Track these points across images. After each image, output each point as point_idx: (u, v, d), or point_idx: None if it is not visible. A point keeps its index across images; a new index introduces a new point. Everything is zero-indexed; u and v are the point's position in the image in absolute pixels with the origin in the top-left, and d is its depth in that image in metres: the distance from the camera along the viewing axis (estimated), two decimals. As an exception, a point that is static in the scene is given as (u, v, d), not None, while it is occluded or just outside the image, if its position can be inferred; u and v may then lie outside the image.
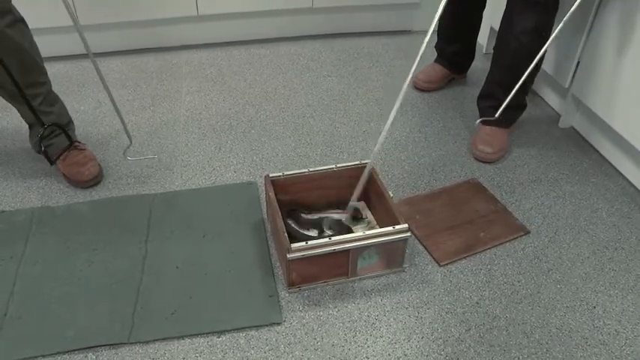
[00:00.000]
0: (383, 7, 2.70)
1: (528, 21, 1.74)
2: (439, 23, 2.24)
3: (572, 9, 1.52)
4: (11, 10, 1.63)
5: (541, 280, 1.53)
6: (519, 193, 1.81)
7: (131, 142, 1.72)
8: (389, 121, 1.50)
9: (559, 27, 1.57)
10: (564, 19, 1.54)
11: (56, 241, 1.64)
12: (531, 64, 1.87)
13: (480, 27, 2.21)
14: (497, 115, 1.76)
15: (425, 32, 1.47)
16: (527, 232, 1.67)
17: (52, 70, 1.82)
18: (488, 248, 1.62)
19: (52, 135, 1.84)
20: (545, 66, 2.12)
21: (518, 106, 1.98)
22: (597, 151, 2.00)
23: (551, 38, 1.62)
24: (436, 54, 2.33)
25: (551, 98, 2.24)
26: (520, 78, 1.91)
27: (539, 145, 2.03)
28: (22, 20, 1.67)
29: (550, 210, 1.75)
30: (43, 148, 1.63)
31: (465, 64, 2.33)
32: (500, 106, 1.94)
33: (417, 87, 2.32)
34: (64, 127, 1.76)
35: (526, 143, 2.03)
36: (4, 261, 1.58)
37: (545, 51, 1.86)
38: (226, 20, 2.62)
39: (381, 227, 1.59)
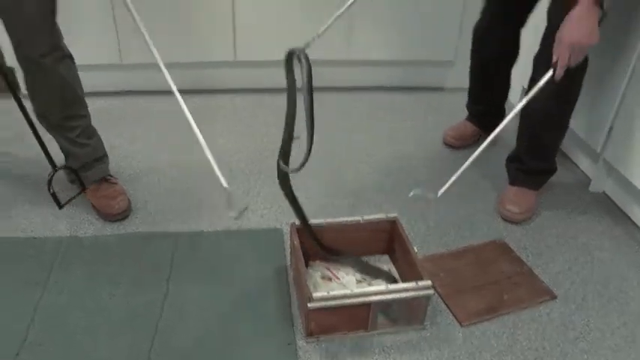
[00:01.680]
0: (416, 62, 2.74)
1: (551, 85, 1.74)
2: (469, 83, 2.27)
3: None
4: (61, 47, 1.70)
5: (567, 349, 1.49)
6: (546, 256, 1.78)
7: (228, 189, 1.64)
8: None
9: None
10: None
11: (82, 271, 1.66)
12: (555, 129, 1.89)
13: (509, 87, 2.22)
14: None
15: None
16: (554, 297, 1.63)
17: (92, 105, 1.87)
18: (513, 311, 1.58)
19: (86, 168, 1.88)
20: (576, 128, 2.12)
21: (546, 171, 1.98)
22: (630, 219, 1.96)
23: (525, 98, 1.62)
24: (467, 112, 2.35)
25: (582, 161, 2.23)
26: (544, 142, 1.92)
27: (569, 208, 2.01)
28: (69, 56, 1.74)
29: (578, 275, 1.71)
30: (51, 191, 1.65)
31: (495, 123, 2.33)
32: (528, 170, 1.94)
33: (447, 143, 2.33)
34: (76, 170, 1.80)
35: (555, 206, 2.01)
36: (29, 287, 1.60)
37: (568, 116, 1.86)
38: (262, 67, 2.69)
39: (404, 282, 1.58)
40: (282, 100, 1.57)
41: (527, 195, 1.94)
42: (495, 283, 1.67)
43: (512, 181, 1.98)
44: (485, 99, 2.26)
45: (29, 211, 1.89)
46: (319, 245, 1.58)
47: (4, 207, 1.92)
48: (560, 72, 1.55)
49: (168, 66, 2.62)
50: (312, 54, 2.66)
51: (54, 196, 1.62)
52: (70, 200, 1.71)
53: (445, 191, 2.04)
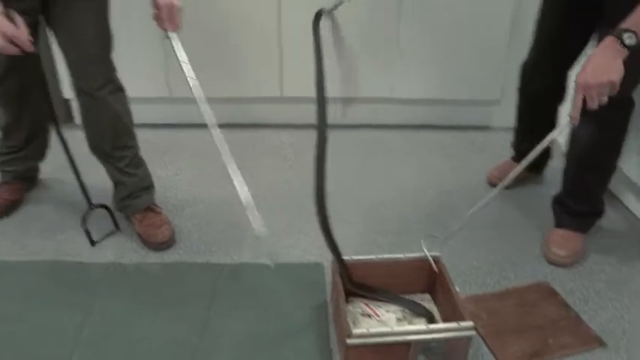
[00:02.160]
0: (462, 101, 2.73)
1: (590, 130, 1.71)
2: (515, 121, 2.25)
3: None
4: (113, 80, 1.78)
5: (616, 400, 1.43)
6: (595, 303, 1.72)
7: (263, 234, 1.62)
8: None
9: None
10: None
11: (124, 297, 1.69)
12: (601, 172, 1.84)
13: (555, 127, 2.19)
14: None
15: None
16: (603, 345, 1.57)
17: (141, 136, 1.93)
18: (558, 357, 1.53)
19: (131, 196, 1.93)
20: (625, 169, 2.07)
21: (593, 213, 1.93)
22: (685, 267, 1.89)
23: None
24: (512, 151, 2.32)
25: (633, 204, 2.16)
26: (590, 185, 1.88)
27: (619, 253, 1.94)
28: (122, 89, 1.81)
29: (631, 325, 1.64)
30: (85, 228, 1.69)
31: (541, 164, 2.31)
32: (574, 212, 1.90)
33: (491, 183, 2.30)
34: (109, 208, 1.83)
35: (604, 249, 1.95)
36: (74, 310, 1.64)
37: (614, 159, 1.82)
38: (308, 103, 2.71)
39: (445, 322, 1.55)
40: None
41: (573, 238, 1.89)
42: (539, 327, 1.62)
43: (558, 223, 1.93)
44: (532, 138, 2.23)
45: (77, 237, 1.94)
46: (350, 282, 1.57)
47: (54, 231, 1.97)
48: (575, 115, 1.50)
49: (215, 100, 2.69)
50: (358, 91, 2.70)
51: (87, 233, 1.67)
52: (102, 239, 1.75)
53: (488, 231, 2.02)
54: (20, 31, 1.42)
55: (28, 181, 2.16)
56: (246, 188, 1.56)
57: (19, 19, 1.43)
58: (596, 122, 1.67)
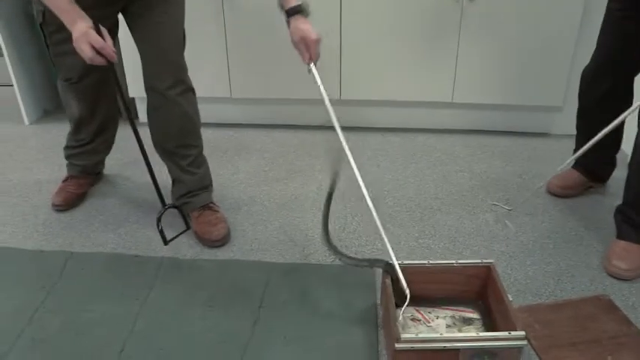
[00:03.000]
0: (523, 107, 2.67)
1: None
2: (577, 130, 2.18)
3: None
4: (184, 81, 1.83)
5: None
6: (658, 319, 1.65)
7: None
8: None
9: None
10: None
11: (178, 291, 1.74)
12: None
13: (621, 136, 2.11)
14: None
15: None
16: (664, 364, 1.51)
17: (202, 135, 1.98)
18: (615, 374, 1.48)
19: (192, 194, 1.98)
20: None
21: None
22: None
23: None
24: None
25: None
26: None
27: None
28: (191, 89, 1.87)
29: (693, 344, 1.57)
30: (160, 228, 1.74)
31: (605, 173, 2.23)
32: (637, 224, 1.82)
33: (551, 192, 2.24)
34: (179, 207, 1.88)
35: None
36: (129, 301, 1.70)
37: None
38: (365, 106, 2.73)
39: (495, 331, 1.52)
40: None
41: (636, 250, 1.81)
42: (597, 342, 1.56)
43: (620, 235, 1.86)
44: (594, 147, 2.16)
45: (136, 231, 2.01)
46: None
47: (116, 225, 2.05)
48: None
49: (276, 101, 2.74)
50: (417, 96, 2.69)
51: (161, 233, 1.72)
52: (174, 238, 1.80)
53: (546, 241, 1.96)
54: (107, 44, 1.52)
55: (93, 175, 2.26)
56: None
57: (105, 32, 1.54)
58: None
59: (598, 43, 1.95)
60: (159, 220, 1.72)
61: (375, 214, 1.61)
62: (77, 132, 2.09)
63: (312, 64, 1.68)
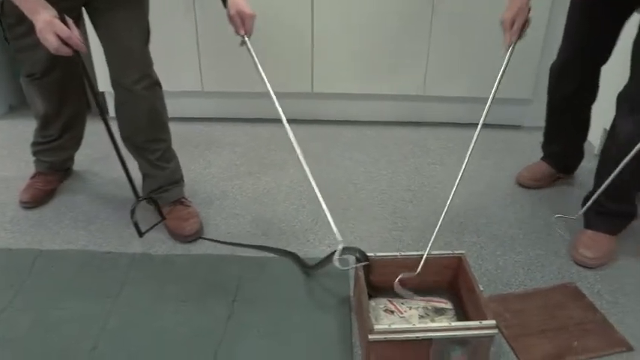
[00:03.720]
0: (494, 100, 2.70)
1: (631, 126, 1.68)
2: (545, 122, 2.22)
3: None
4: (150, 75, 1.81)
5: (642, 405, 1.40)
6: (623, 305, 1.69)
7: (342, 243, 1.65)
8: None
9: None
10: None
11: (150, 287, 1.72)
12: (636, 171, 1.80)
13: (588, 127, 2.16)
14: (579, 213, 1.79)
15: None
16: (630, 349, 1.54)
17: (172, 129, 1.97)
18: (582, 359, 1.52)
19: (163, 189, 1.96)
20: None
21: (625, 214, 1.89)
22: None
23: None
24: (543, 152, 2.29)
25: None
26: (624, 184, 1.83)
27: (652, 257, 1.90)
28: (158, 83, 1.85)
29: (660, 329, 1.62)
30: (134, 220, 1.72)
31: (573, 164, 2.27)
32: (606, 212, 1.86)
33: (521, 184, 2.28)
34: (155, 199, 1.85)
35: (636, 252, 1.91)
36: (102, 299, 1.68)
37: None
38: (338, 100, 2.73)
39: (467, 321, 1.54)
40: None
41: (603, 239, 1.86)
42: (564, 329, 1.60)
43: (588, 224, 1.90)
44: (562, 139, 2.20)
45: (107, 227, 1.99)
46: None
47: (86, 221, 2.03)
48: None
49: (248, 95, 2.73)
50: (388, 89, 2.70)
51: (136, 225, 1.70)
52: (149, 229, 1.78)
53: (515, 231, 2.00)
54: (74, 34, 1.47)
55: (62, 171, 2.22)
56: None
57: (71, 21, 1.49)
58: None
59: (565, 33, 1.98)
60: (133, 212, 1.70)
61: (323, 205, 1.70)
62: (44, 129, 2.06)
63: (245, 37, 1.72)
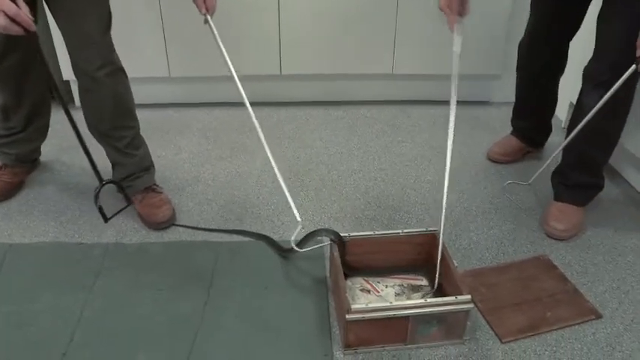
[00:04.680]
0: (462, 77, 2.70)
1: (597, 98, 1.70)
2: (515, 98, 2.24)
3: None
4: (112, 61, 1.77)
5: (611, 370, 1.44)
6: (592, 275, 1.73)
7: (300, 224, 1.69)
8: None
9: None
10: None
11: (125, 277, 1.71)
12: (604, 144, 1.85)
13: (556, 102, 2.19)
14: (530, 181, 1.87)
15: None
16: (599, 317, 1.58)
17: (140, 116, 1.93)
18: (555, 329, 1.55)
19: (133, 177, 1.94)
20: (626, 143, 2.06)
21: (593, 186, 1.93)
22: (681, 238, 1.90)
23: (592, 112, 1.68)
24: (512, 127, 2.32)
25: (633, 178, 2.16)
26: (592, 157, 1.87)
27: (618, 225, 1.94)
28: (121, 69, 1.81)
29: (627, 296, 1.66)
30: (98, 205, 1.68)
31: (541, 139, 2.30)
32: (574, 185, 1.90)
33: (491, 159, 2.30)
34: (122, 185, 1.80)
35: (602, 223, 1.95)
36: (76, 290, 1.66)
37: (618, 131, 1.82)
38: (307, 81, 2.72)
39: (443, 297, 1.56)
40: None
41: (572, 211, 1.89)
42: (538, 300, 1.63)
43: (557, 197, 1.94)
44: (531, 114, 2.23)
45: (79, 218, 1.96)
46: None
47: (56, 213, 1.99)
48: None
49: (217, 79, 2.69)
50: (357, 69, 2.69)
51: (100, 210, 1.67)
52: (115, 214, 1.75)
53: (487, 206, 2.02)
54: (22, 11, 1.41)
55: (29, 163, 2.17)
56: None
57: None
58: (605, 90, 1.66)
59: (531, 9, 1.99)
60: (96, 197, 1.67)
61: (283, 185, 1.72)
62: (5, 120, 2.00)
63: (208, 16, 1.72)
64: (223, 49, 1.71)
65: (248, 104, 1.73)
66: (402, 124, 2.60)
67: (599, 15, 1.72)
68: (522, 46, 2.07)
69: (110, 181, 1.77)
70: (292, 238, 1.66)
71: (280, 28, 2.53)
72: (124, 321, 1.56)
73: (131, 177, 1.93)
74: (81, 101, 1.84)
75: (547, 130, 2.27)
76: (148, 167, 1.99)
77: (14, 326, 1.54)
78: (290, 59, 2.61)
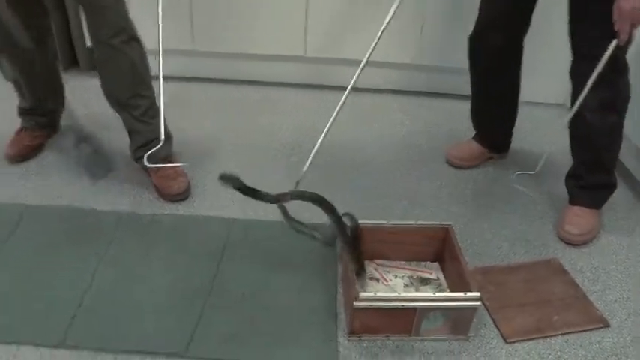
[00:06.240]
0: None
1: (593, 98, 1.67)
2: (472, 100, 2.15)
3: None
4: (125, 30, 1.78)
5: (616, 380, 1.44)
6: (603, 283, 1.72)
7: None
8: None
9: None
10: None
11: (137, 247, 1.72)
12: (606, 138, 1.81)
13: (517, 99, 2.08)
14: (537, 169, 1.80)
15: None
16: (607, 326, 1.57)
17: (163, 88, 1.93)
18: (561, 334, 1.54)
19: (148, 146, 1.94)
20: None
21: (606, 185, 1.90)
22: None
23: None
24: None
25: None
26: (600, 156, 1.84)
27: (635, 234, 1.92)
28: (135, 38, 1.82)
29: (637, 306, 1.64)
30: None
31: (505, 144, 2.23)
32: (588, 186, 1.88)
33: (450, 164, 2.21)
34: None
35: (618, 230, 1.93)
36: (88, 256, 1.68)
37: (617, 122, 1.78)
38: (331, 65, 2.70)
39: (452, 292, 1.56)
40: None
41: (587, 215, 1.87)
42: (546, 303, 1.63)
43: (572, 200, 1.91)
44: (490, 115, 2.15)
45: (95, 186, 1.97)
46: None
47: (72, 179, 2.00)
48: (623, 39, 1.54)
49: (237, 56, 2.68)
50: (380, 56, 2.65)
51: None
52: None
53: (503, 205, 2.01)
54: None
55: (49, 128, 2.19)
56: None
57: None
58: (600, 85, 1.63)
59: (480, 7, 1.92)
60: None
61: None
62: (21, 95, 2.05)
63: None
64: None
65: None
66: (422, 115, 2.58)
67: (569, 16, 1.70)
68: (471, 39, 1.95)
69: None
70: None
71: (308, 8, 2.50)
72: (132, 290, 1.58)
73: (147, 146, 1.94)
74: (98, 70, 1.86)
75: (510, 134, 2.20)
76: (166, 138, 1.99)
77: (25, 288, 1.57)
78: (315, 41, 2.59)
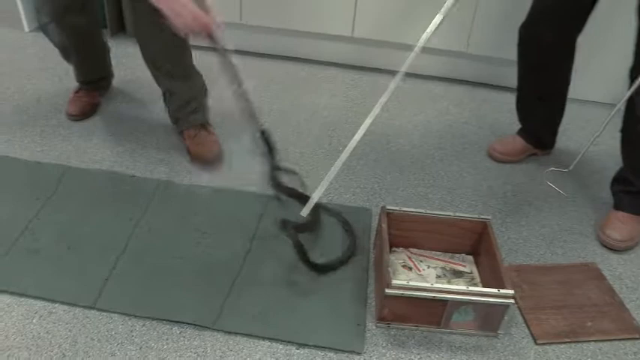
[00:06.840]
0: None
1: None
2: (517, 93, 2.09)
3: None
4: None
5: (650, 394, 1.40)
6: (642, 292, 1.67)
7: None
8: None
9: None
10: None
11: (172, 215, 1.74)
12: None
13: (566, 96, 2.01)
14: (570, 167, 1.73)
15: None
16: (642, 336, 1.54)
17: (208, 59, 1.93)
18: (594, 340, 1.50)
19: (185, 108, 1.96)
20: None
21: None
22: None
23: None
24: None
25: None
26: None
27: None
28: None
29: (676, 319, 1.60)
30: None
31: (548, 140, 2.16)
32: (635, 191, 1.81)
33: (492, 157, 2.16)
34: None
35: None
36: (124, 221, 1.70)
37: None
38: (378, 47, 2.66)
39: (485, 287, 1.54)
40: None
41: (631, 221, 1.81)
42: (580, 308, 1.59)
43: (617, 205, 1.86)
44: (535, 112, 2.08)
45: (134, 151, 1.99)
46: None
47: (114, 142, 2.03)
48: None
49: (284, 32, 2.66)
50: (431, 42, 2.60)
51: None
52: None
53: (543, 204, 1.96)
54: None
55: (102, 90, 2.23)
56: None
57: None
58: None
59: None
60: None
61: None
62: (67, 58, 2.09)
63: None
64: None
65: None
66: (468, 105, 2.53)
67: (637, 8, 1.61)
68: (523, 30, 1.87)
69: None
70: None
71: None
72: (165, 258, 1.60)
73: (185, 108, 1.94)
74: (134, 30, 1.86)
75: (555, 131, 2.13)
76: (202, 104, 1.99)
77: (61, 246, 1.60)
78: (364, 22, 2.55)
